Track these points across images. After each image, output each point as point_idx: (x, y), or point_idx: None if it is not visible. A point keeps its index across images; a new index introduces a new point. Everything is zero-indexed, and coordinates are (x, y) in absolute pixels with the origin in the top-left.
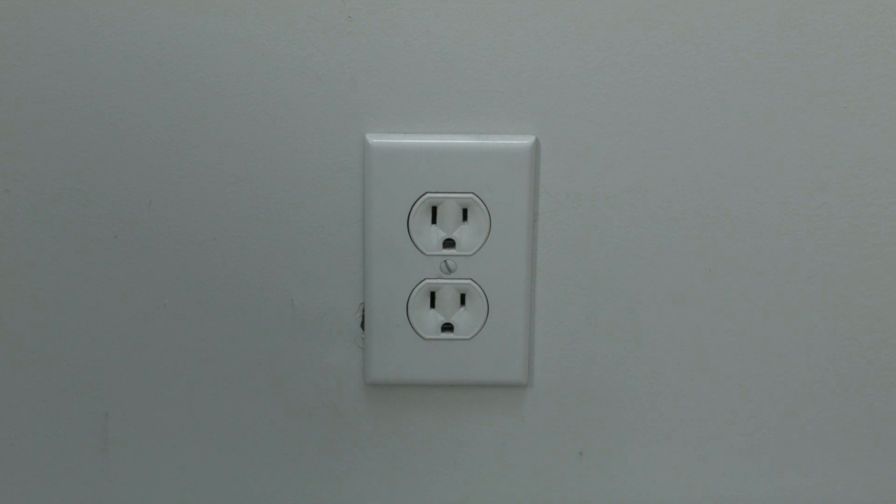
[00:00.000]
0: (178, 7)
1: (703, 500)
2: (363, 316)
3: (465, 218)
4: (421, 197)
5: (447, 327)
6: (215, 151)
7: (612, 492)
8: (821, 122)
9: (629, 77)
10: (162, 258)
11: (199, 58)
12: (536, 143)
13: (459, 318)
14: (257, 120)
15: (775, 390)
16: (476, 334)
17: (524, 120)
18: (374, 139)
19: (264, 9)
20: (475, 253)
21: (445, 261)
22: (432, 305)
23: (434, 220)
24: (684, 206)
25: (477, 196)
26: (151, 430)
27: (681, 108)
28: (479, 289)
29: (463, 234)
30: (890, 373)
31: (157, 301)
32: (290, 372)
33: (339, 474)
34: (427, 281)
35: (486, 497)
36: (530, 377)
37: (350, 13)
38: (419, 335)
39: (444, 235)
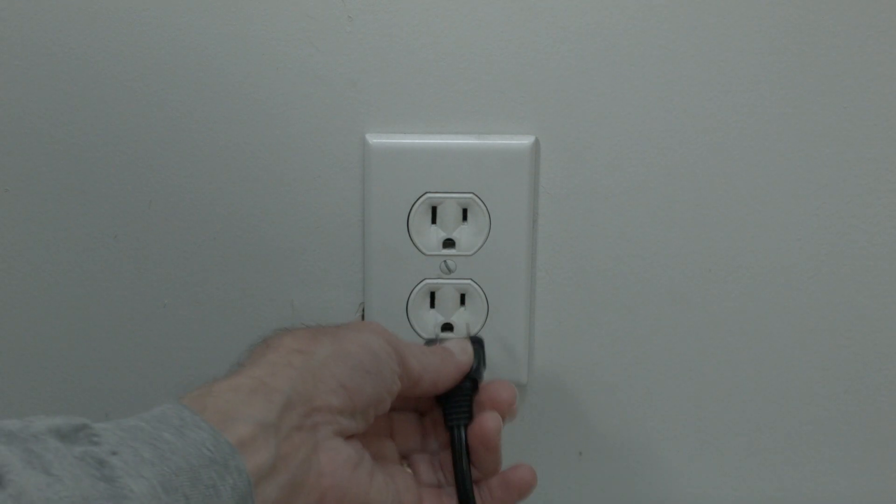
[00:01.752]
0: (178, 7)
1: (702, 499)
2: (363, 316)
3: (465, 218)
4: (421, 197)
5: (447, 327)
6: (215, 151)
7: (612, 492)
8: (821, 122)
9: (629, 77)
10: (162, 258)
11: (199, 58)
12: (536, 143)
13: (459, 318)
14: (257, 120)
15: (775, 390)
16: (476, 334)
17: (524, 120)
18: (374, 139)
19: (264, 9)
20: (475, 253)
21: (445, 261)
22: (432, 305)
23: (434, 220)
24: (684, 206)
25: (477, 196)
26: None
27: (681, 108)
28: (478, 289)
29: (463, 234)
30: (890, 373)
31: (157, 301)
32: None
33: None
34: (427, 281)
35: None
36: (530, 377)
37: (350, 13)
38: (419, 335)
39: (443, 235)
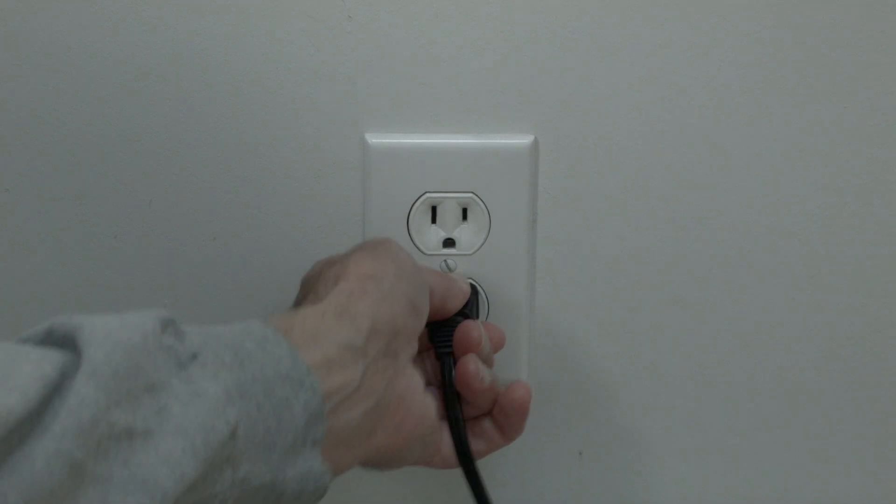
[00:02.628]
0: (177, 7)
1: (702, 500)
2: None
3: (464, 217)
4: (421, 197)
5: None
6: (215, 151)
7: (612, 492)
8: (821, 122)
9: (629, 77)
10: (162, 258)
11: (199, 58)
12: (535, 143)
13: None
14: (257, 120)
15: (775, 390)
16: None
17: (524, 120)
18: (374, 139)
19: (264, 9)
20: (475, 252)
21: (445, 260)
22: None
23: (434, 220)
24: (684, 206)
25: (477, 196)
26: None
27: (681, 107)
28: (479, 288)
29: (463, 233)
30: (890, 373)
31: (158, 301)
32: None
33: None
34: None
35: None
36: (530, 377)
37: (350, 13)
38: None
39: (443, 235)
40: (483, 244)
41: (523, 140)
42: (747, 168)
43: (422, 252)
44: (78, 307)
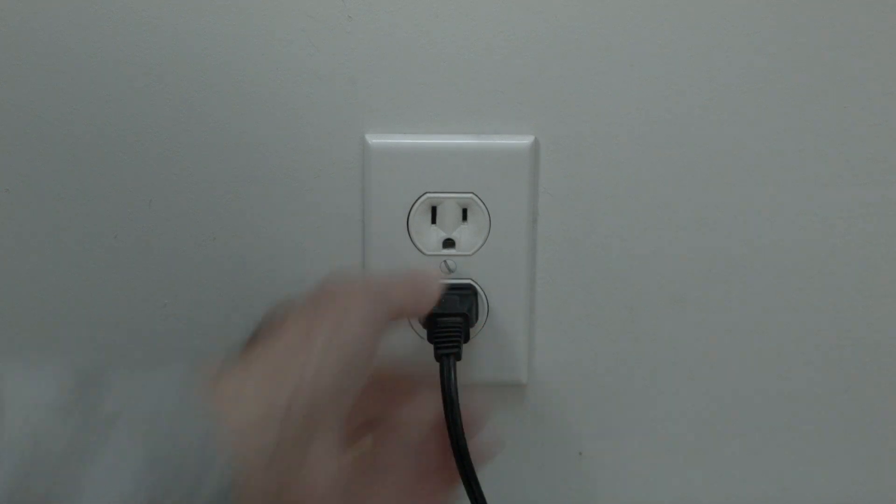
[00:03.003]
0: (177, 7)
1: (702, 500)
2: None
3: (464, 218)
4: (420, 197)
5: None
6: (215, 151)
7: (612, 492)
8: (821, 122)
9: (629, 77)
10: (162, 258)
11: (198, 57)
12: (536, 143)
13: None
14: (257, 120)
15: (775, 390)
16: (476, 334)
17: (524, 120)
18: (374, 139)
19: (264, 9)
20: (475, 253)
21: (445, 261)
22: None
23: (434, 220)
24: (684, 206)
25: (476, 196)
26: None
27: (681, 107)
28: (479, 289)
29: (463, 234)
30: (890, 373)
31: (157, 301)
32: None
33: None
34: None
35: (485, 497)
36: (530, 377)
37: (350, 13)
38: (419, 335)
39: (443, 235)
40: (483, 244)
41: (523, 140)
42: (747, 168)
43: (422, 252)
44: (78, 307)
